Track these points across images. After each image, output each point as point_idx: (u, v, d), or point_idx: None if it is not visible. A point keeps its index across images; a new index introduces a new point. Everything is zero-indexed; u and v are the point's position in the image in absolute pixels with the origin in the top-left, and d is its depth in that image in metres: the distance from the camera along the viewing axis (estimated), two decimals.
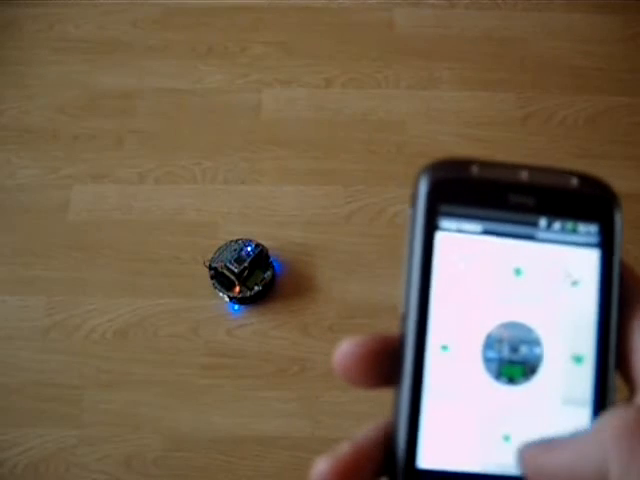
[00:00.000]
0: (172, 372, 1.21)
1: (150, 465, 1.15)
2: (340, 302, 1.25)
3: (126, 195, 1.35)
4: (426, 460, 0.25)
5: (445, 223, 0.26)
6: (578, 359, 0.25)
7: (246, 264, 1.23)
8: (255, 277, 1.23)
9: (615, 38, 1.52)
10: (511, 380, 0.25)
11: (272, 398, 1.19)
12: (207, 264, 1.24)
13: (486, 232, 0.26)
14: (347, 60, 1.49)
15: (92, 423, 1.17)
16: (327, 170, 1.37)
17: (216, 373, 1.21)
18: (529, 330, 0.25)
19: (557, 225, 0.26)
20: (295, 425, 1.17)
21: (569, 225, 0.26)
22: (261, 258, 1.24)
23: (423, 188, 0.26)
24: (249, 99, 1.45)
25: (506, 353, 0.25)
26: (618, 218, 0.26)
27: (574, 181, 0.26)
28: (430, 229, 0.26)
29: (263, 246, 1.25)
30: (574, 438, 0.23)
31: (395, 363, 0.25)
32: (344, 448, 0.24)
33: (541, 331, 0.25)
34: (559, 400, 0.25)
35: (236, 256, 1.23)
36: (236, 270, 1.22)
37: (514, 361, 0.25)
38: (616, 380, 0.25)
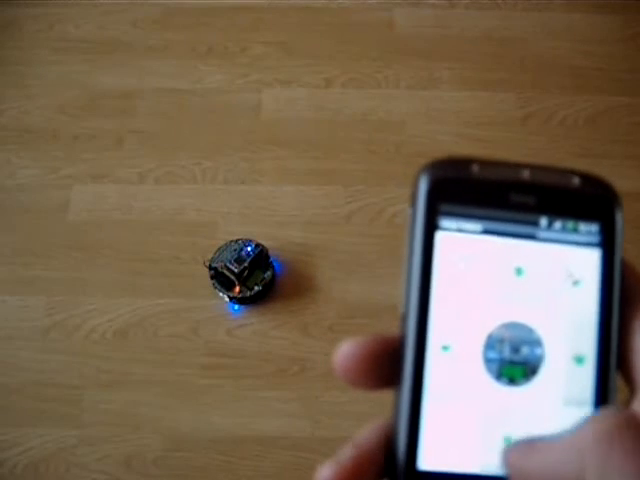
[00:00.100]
0: (172, 372, 1.20)
1: (150, 465, 1.15)
2: (340, 302, 1.25)
3: (126, 195, 1.35)
4: (427, 462, 0.25)
5: (445, 222, 0.26)
6: (579, 359, 0.25)
7: (246, 264, 1.23)
8: (255, 277, 1.23)
9: (615, 38, 1.52)
10: (512, 381, 0.25)
11: (272, 398, 1.19)
12: (207, 264, 1.24)
13: (486, 231, 0.26)
14: (347, 60, 1.49)
15: (92, 423, 1.17)
16: (327, 170, 1.37)
17: (216, 373, 1.21)
18: (530, 330, 0.25)
19: (558, 224, 0.26)
20: (295, 425, 1.17)
21: (570, 224, 0.26)
22: (261, 258, 1.24)
23: (423, 187, 0.26)
24: (249, 99, 1.45)
25: (507, 353, 0.25)
26: (619, 217, 0.26)
27: (575, 180, 0.26)
28: (430, 229, 0.26)
29: (263, 246, 1.25)
30: (557, 441, 0.23)
31: (395, 364, 0.25)
32: (346, 453, 0.24)
33: (542, 331, 0.25)
34: (560, 401, 0.25)
35: (236, 256, 1.23)
36: (236, 270, 1.22)
37: (515, 362, 0.25)
38: (617, 380, 0.25)
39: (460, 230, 0.26)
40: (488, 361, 0.25)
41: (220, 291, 1.22)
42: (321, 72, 1.48)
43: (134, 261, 1.29)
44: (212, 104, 1.45)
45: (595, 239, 0.26)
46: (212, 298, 1.25)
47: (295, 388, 1.19)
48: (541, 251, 0.26)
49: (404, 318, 0.25)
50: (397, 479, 0.24)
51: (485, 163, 0.26)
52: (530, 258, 0.26)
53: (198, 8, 1.55)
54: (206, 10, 1.55)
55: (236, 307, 1.25)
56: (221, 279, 1.23)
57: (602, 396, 0.25)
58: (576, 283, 0.25)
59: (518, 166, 0.26)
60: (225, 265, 1.23)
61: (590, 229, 0.26)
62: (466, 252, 0.25)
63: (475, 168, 0.26)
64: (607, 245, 0.26)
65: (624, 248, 0.26)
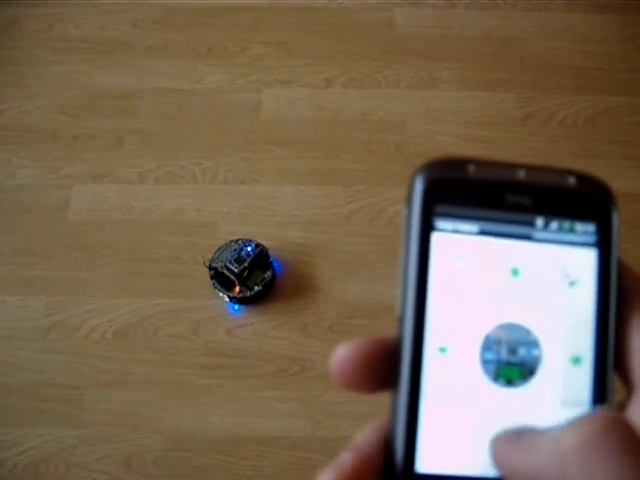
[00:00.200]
0: (172, 372, 1.20)
1: (150, 465, 1.15)
2: (340, 302, 1.25)
3: (126, 195, 1.35)
4: (425, 464, 0.24)
5: (441, 223, 0.25)
6: (576, 360, 0.25)
7: (246, 264, 1.23)
8: (255, 277, 1.23)
9: (615, 38, 1.52)
10: (509, 382, 0.25)
11: (272, 398, 1.19)
12: (207, 264, 1.24)
13: (483, 232, 0.25)
14: (347, 60, 1.49)
15: (92, 423, 1.17)
16: (327, 170, 1.37)
17: (216, 373, 1.21)
18: (527, 331, 0.25)
19: (554, 225, 0.26)
20: (295, 425, 1.17)
21: (566, 225, 0.26)
22: (261, 258, 1.24)
23: (419, 188, 0.26)
24: (249, 99, 1.45)
25: (504, 355, 0.25)
26: (615, 217, 0.26)
27: (571, 180, 0.26)
28: (426, 230, 0.25)
29: (263, 246, 1.25)
30: (544, 439, 0.22)
31: (392, 366, 0.25)
32: (346, 457, 0.24)
33: (539, 332, 0.25)
34: (558, 402, 0.25)
35: (236, 256, 1.23)
36: (236, 270, 1.22)
37: (512, 363, 0.25)
38: (615, 381, 0.25)
39: (456, 231, 0.25)
40: (485, 362, 0.25)
41: (220, 291, 1.22)
42: (321, 72, 1.48)
43: (134, 261, 1.29)
44: (212, 104, 1.45)
45: (591, 239, 0.26)
46: (212, 298, 1.25)
47: (295, 388, 1.19)
48: (537, 252, 0.26)
49: (401, 320, 0.25)
50: None
51: (481, 163, 0.26)
52: (526, 259, 0.25)
53: (198, 8, 1.55)
54: (206, 10, 1.55)
55: (236, 307, 1.25)
56: (221, 279, 1.23)
57: (600, 396, 0.25)
58: (573, 283, 0.25)
59: (514, 166, 0.26)
60: (225, 265, 1.23)
61: (586, 229, 0.26)
62: (462, 253, 0.25)
63: (471, 168, 0.26)
64: (603, 245, 0.26)
65: (623, 248, 0.26)
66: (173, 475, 1.14)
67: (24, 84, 1.47)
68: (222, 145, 1.40)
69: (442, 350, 0.25)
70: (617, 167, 1.37)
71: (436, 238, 0.25)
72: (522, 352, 0.25)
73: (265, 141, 1.40)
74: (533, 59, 1.49)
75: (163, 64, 1.49)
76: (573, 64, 1.49)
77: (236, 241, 1.25)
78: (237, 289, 1.22)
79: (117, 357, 1.22)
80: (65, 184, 1.36)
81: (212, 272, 1.23)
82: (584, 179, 0.26)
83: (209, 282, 1.23)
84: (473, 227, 0.25)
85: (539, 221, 0.26)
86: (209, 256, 1.25)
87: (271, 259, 1.24)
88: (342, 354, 0.25)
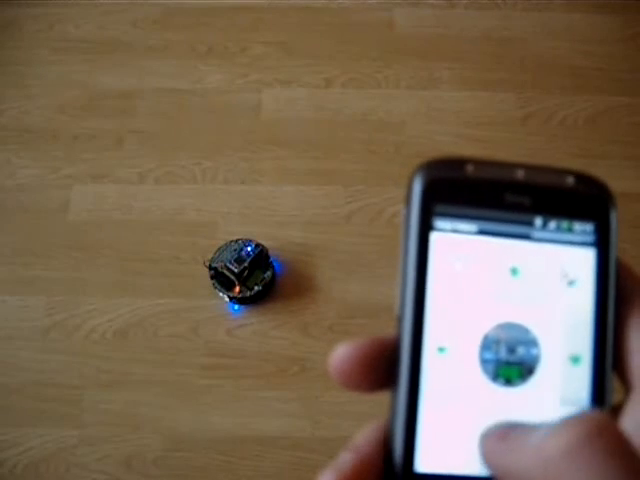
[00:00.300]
0: (172, 372, 1.21)
1: (150, 465, 1.15)
2: (340, 302, 1.25)
3: (126, 195, 1.35)
4: (424, 464, 0.24)
5: (440, 223, 0.25)
6: (575, 359, 0.25)
7: (246, 264, 1.23)
8: (255, 277, 1.23)
9: (615, 38, 1.52)
10: (508, 381, 0.25)
11: (272, 398, 1.19)
12: (207, 264, 1.24)
13: (481, 232, 0.25)
14: (347, 60, 1.49)
15: (92, 423, 1.17)
16: (327, 170, 1.37)
17: (216, 373, 1.21)
18: (526, 331, 0.25)
19: (553, 224, 0.26)
20: (295, 425, 1.17)
21: (565, 224, 0.26)
22: (261, 258, 1.24)
23: (417, 188, 0.26)
24: (249, 99, 1.45)
25: (503, 354, 0.25)
26: (614, 217, 0.26)
27: (570, 180, 0.26)
28: (425, 229, 0.25)
29: (263, 246, 1.25)
30: (531, 442, 0.22)
31: (391, 366, 0.25)
32: (345, 458, 0.24)
33: (538, 332, 0.25)
34: (557, 401, 0.25)
35: (236, 256, 1.23)
36: (236, 270, 1.22)
37: (511, 362, 0.25)
38: (614, 381, 0.25)
39: (455, 230, 0.25)
40: (484, 362, 0.25)
41: (220, 291, 1.22)
42: (321, 72, 1.48)
43: (134, 261, 1.29)
44: (212, 104, 1.45)
45: (590, 239, 0.26)
46: (212, 298, 1.25)
47: (295, 388, 1.19)
48: (536, 251, 0.26)
49: (399, 319, 0.25)
50: None
51: (480, 163, 0.26)
52: (525, 258, 0.25)
53: (198, 8, 1.55)
54: (206, 10, 1.55)
55: (236, 307, 1.25)
56: (221, 279, 1.23)
57: (598, 396, 0.25)
58: (571, 283, 0.25)
59: (513, 166, 0.26)
60: (225, 265, 1.23)
61: (585, 229, 0.26)
62: (461, 253, 0.25)
63: (470, 168, 0.26)
64: (602, 245, 0.26)
65: (622, 248, 0.26)
66: (173, 475, 1.14)
67: (24, 84, 1.47)
68: (222, 145, 1.40)
69: (441, 350, 0.25)
70: (617, 167, 1.37)
71: (435, 238, 0.25)
72: (521, 351, 0.25)
73: (265, 141, 1.40)
74: (533, 59, 1.49)
75: (163, 64, 1.49)
76: (573, 64, 1.49)
77: (236, 241, 1.25)
78: (237, 289, 1.22)
79: (117, 357, 1.22)
80: (65, 184, 1.36)
81: (212, 272, 1.23)
82: (583, 179, 0.26)
83: (209, 282, 1.23)
84: (472, 227, 0.25)
85: (538, 221, 0.26)
86: (209, 256, 1.25)
87: (271, 259, 1.24)
88: (341, 353, 0.25)
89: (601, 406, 0.25)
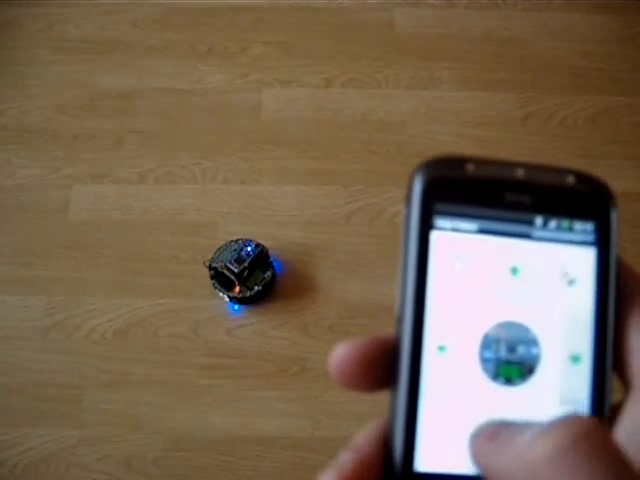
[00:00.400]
0: (172, 372, 1.21)
1: (150, 465, 1.15)
2: (340, 302, 1.25)
3: (126, 195, 1.35)
4: (424, 463, 0.24)
5: (440, 222, 0.25)
6: (575, 359, 0.25)
7: (246, 264, 1.23)
8: (255, 277, 1.23)
9: (615, 38, 1.52)
10: (508, 381, 0.25)
11: (272, 398, 1.19)
12: (207, 264, 1.24)
13: (482, 231, 0.25)
14: (347, 60, 1.49)
15: (92, 423, 1.17)
16: (327, 170, 1.37)
17: (216, 373, 1.21)
18: (526, 330, 0.25)
19: (553, 223, 0.26)
20: (295, 425, 1.17)
21: (565, 223, 0.26)
22: (261, 258, 1.24)
23: (417, 187, 0.26)
24: (249, 99, 1.45)
25: (503, 353, 0.25)
26: (614, 216, 0.26)
27: (570, 179, 0.26)
28: (425, 228, 0.25)
29: (263, 246, 1.25)
30: (519, 444, 0.22)
31: (391, 365, 0.25)
32: (346, 458, 0.24)
33: (538, 331, 0.25)
34: (557, 400, 0.25)
35: (236, 256, 1.23)
36: (236, 270, 1.22)
37: (511, 361, 0.25)
38: (613, 380, 0.25)
39: (455, 229, 0.25)
40: (484, 361, 0.25)
41: (220, 291, 1.22)
42: (321, 72, 1.48)
43: (134, 261, 1.29)
44: (212, 104, 1.45)
45: (590, 238, 0.26)
46: (212, 298, 1.25)
47: (295, 388, 1.19)
48: (536, 250, 0.26)
49: (399, 319, 0.25)
50: None
51: (480, 162, 0.26)
52: (525, 257, 0.25)
53: (198, 8, 1.55)
54: (206, 10, 1.55)
55: (236, 307, 1.25)
56: (221, 279, 1.23)
57: (598, 395, 0.25)
58: (572, 282, 0.25)
59: (513, 165, 0.26)
60: (225, 265, 1.23)
61: (585, 228, 0.26)
62: (461, 252, 0.25)
63: (470, 167, 0.26)
64: (602, 244, 0.26)
65: (623, 247, 0.26)
66: (173, 475, 1.14)
67: (24, 84, 1.47)
68: (222, 145, 1.40)
69: (441, 349, 0.25)
70: (617, 167, 1.37)
71: (435, 237, 0.25)
72: (521, 351, 0.25)
73: (265, 141, 1.40)
74: (533, 59, 1.49)
75: (163, 64, 1.49)
76: (573, 64, 1.49)
77: (236, 241, 1.25)
78: (237, 289, 1.22)
79: (117, 357, 1.22)
80: (65, 184, 1.36)
81: (212, 272, 1.23)
82: (583, 178, 0.26)
83: (209, 282, 1.23)
84: (472, 226, 0.25)
85: (538, 220, 0.26)
86: (209, 256, 1.25)
87: (271, 259, 1.24)
88: (341, 353, 0.25)
89: (602, 406, 0.25)
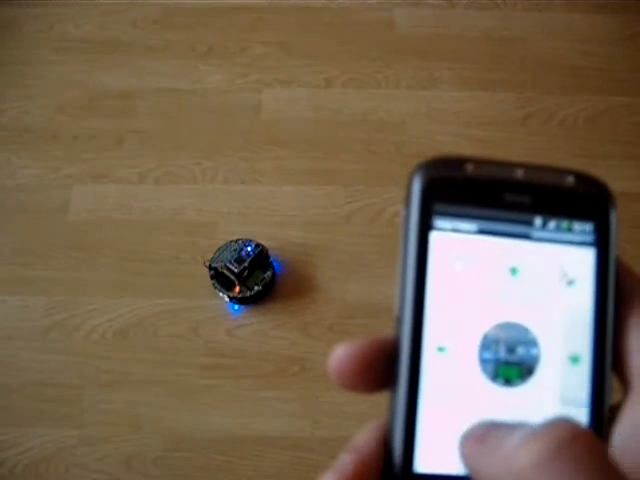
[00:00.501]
0: (172, 372, 1.21)
1: (150, 465, 1.15)
2: (340, 302, 1.25)
3: (126, 195, 1.35)
4: (423, 464, 0.24)
5: (439, 222, 0.25)
6: (575, 359, 0.25)
7: (246, 264, 1.23)
8: (255, 277, 1.23)
9: (615, 38, 1.52)
10: (508, 381, 0.25)
11: (272, 398, 1.19)
12: (207, 264, 1.24)
13: (481, 231, 0.25)
14: (347, 60, 1.49)
15: (92, 423, 1.17)
16: (327, 170, 1.37)
17: (216, 373, 1.21)
18: (525, 330, 0.25)
19: (553, 224, 0.26)
20: (295, 425, 1.17)
21: (565, 224, 0.26)
22: (261, 258, 1.24)
23: (417, 187, 0.26)
24: (249, 99, 1.45)
25: (503, 354, 0.25)
26: (613, 216, 0.26)
27: (569, 179, 0.26)
28: (424, 229, 0.25)
29: (263, 246, 1.25)
30: (506, 448, 0.22)
31: (391, 366, 0.25)
32: (346, 459, 0.24)
33: (537, 331, 0.25)
34: (557, 401, 0.25)
35: (236, 256, 1.23)
36: (236, 270, 1.22)
37: (511, 362, 0.25)
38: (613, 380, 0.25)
39: (454, 230, 0.25)
40: (484, 362, 0.25)
41: (220, 291, 1.22)
42: (321, 72, 1.48)
43: (134, 261, 1.29)
44: (212, 104, 1.45)
45: (590, 238, 0.26)
46: (212, 298, 1.25)
47: (295, 388, 1.19)
48: (536, 251, 0.25)
49: (399, 319, 0.25)
50: None
51: (479, 162, 0.26)
52: (525, 258, 0.25)
53: (198, 8, 1.55)
54: (206, 10, 1.55)
55: (236, 307, 1.25)
56: (221, 279, 1.23)
57: (598, 396, 0.25)
58: (571, 283, 0.25)
59: (512, 165, 0.26)
60: (225, 265, 1.23)
61: (585, 228, 0.26)
62: (461, 252, 0.25)
63: (469, 167, 0.26)
64: (602, 244, 0.26)
65: (622, 248, 0.26)
66: (173, 475, 1.14)
67: (24, 84, 1.47)
68: (222, 145, 1.40)
69: (440, 350, 0.25)
70: (617, 167, 1.37)
71: (434, 237, 0.25)
72: (520, 351, 0.25)
73: (265, 141, 1.40)
74: (533, 59, 1.49)
75: (163, 64, 1.49)
76: (573, 64, 1.49)
77: (236, 241, 1.25)
78: (237, 289, 1.22)
79: (117, 357, 1.22)
80: (65, 184, 1.36)
81: (212, 272, 1.23)
82: (582, 178, 0.26)
83: (209, 282, 1.23)
84: (471, 226, 0.25)
85: (537, 220, 0.26)
86: (209, 256, 1.25)
87: (271, 259, 1.24)
88: (340, 354, 0.25)
89: (601, 406, 0.25)
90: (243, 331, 1.24)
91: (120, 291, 1.27)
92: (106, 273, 1.28)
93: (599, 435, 0.24)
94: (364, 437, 0.25)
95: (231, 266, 1.23)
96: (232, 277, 1.22)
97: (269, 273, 1.23)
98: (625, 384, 0.25)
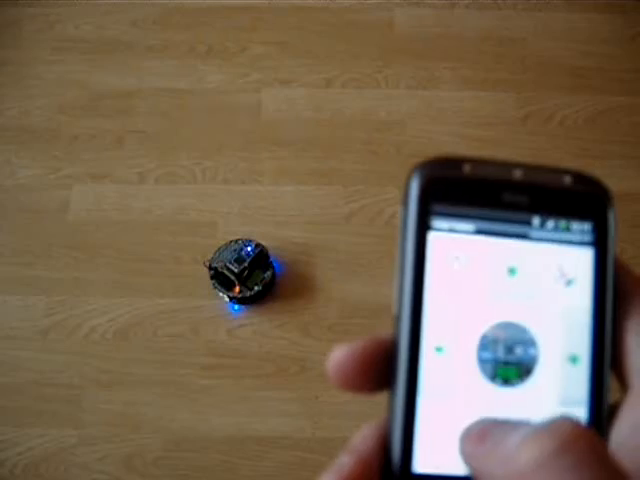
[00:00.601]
0: (172, 372, 1.21)
1: (150, 465, 1.15)
2: (340, 302, 1.25)
3: (126, 195, 1.35)
4: (422, 464, 0.24)
5: (437, 223, 0.25)
6: (573, 359, 0.25)
7: (246, 264, 1.23)
8: (255, 277, 1.23)
9: (615, 38, 1.52)
10: (506, 381, 0.25)
11: (272, 398, 1.19)
12: (207, 264, 1.24)
13: (479, 231, 0.25)
14: (347, 60, 1.49)
15: (92, 423, 1.17)
16: (327, 170, 1.37)
17: (216, 373, 1.21)
18: (524, 330, 0.25)
19: (551, 224, 0.26)
20: (295, 425, 1.17)
21: (563, 223, 0.26)
22: (261, 258, 1.24)
23: (415, 187, 0.26)
24: (249, 99, 1.45)
25: (501, 354, 0.25)
26: (612, 216, 0.26)
27: (567, 179, 0.26)
28: (422, 229, 0.25)
29: (263, 246, 1.25)
30: (506, 448, 0.22)
31: (389, 366, 0.25)
32: (345, 460, 0.24)
33: (536, 331, 0.25)
34: (555, 401, 0.25)
35: (236, 256, 1.23)
36: (236, 270, 1.22)
37: (509, 362, 0.25)
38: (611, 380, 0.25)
39: (452, 230, 0.25)
40: (482, 362, 0.25)
41: (220, 291, 1.22)
42: (321, 72, 1.48)
43: (134, 261, 1.29)
44: (212, 104, 1.45)
45: (588, 238, 0.26)
46: (212, 298, 1.25)
47: (295, 388, 1.19)
48: (534, 250, 0.25)
49: (397, 319, 0.25)
50: None
51: (477, 162, 0.26)
52: (523, 258, 0.25)
53: (198, 8, 1.55)
54: (206, 10, 1.55)
55: (236, 307, 1.25)
56: (221, 279, 1.23)
57: (596, 396, 0.25)
58: (569, 282, 0.25)
59: (510, 165, 0.26)
60: (225, 265, 1.23)
61: (583, 228, 0.26)
62: (459, 252, 0.25)
63: (467, 168, 0.26)
64: (600, 244, 0.26)
65: (621, 247, 0.26)
66: (173, 475, 1.14)
67: (24, 84, 1.47)
68: (222, 145, 1.40)
69: (439, 350, 0.25)
70: (617, 167, 1.37)
71: (432, 237, 0.25)
72: (519, 351, 0.25)
73: (265, 141, 1.40)
74: (533, 59, 1.49)
75: (163, 64, 1.49)
76: (573, 64, 1.49)
77: (236, 241, 1.25)
78: (237, 289, 1.22)
79: (117, 357, 1.22)
80: (65, 184, 1.36)
81: (212, 272, 1.23)
82: (580, 178, 0.26)
83: (209, 282, 1.23)
84: (469, 226, 0.25)
85: (535, 220, 0.26)
86: (209, 256, 1.25)
87: (271, 259, 1.24)
88: (338, 356, 0.25)
89: (600, 406, 0.25)
90: (243, 331, 1.24)
91: (120, 291, 1.27)
92: (106, 273, 1.28)
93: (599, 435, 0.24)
94: (363, 437, 0.25)
95: (231, 266, 1.23)
96: (232, 277, 1.22)
97: (269, 273, 1.23)
98: (624, 384, 0.25)
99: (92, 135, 1.41)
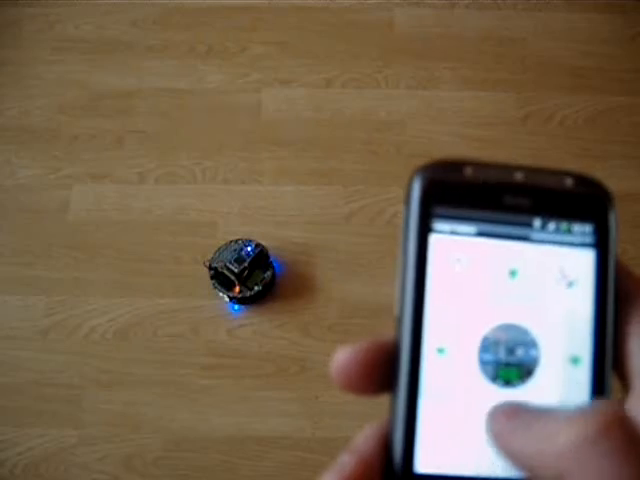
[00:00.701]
0: (172, 372, 1.21)
1: (150, 465, 1.15)
2: (340, 302, 1.25)
3: (126, 195, 1.35)
4: (423, 465, 0.25)
5: (439, 225, 0.25)
6: (575, 360, 0.25)
7: (246, 264, 1.23)
8: (255, 277, 1.23)
9: (615, 38, 1.52)
10: (507, 383, 0.25)
11: (272, 398, 1.19)
12: (207, 264, 1.24)
13: (480, 234, 0.26)
14: (347, 60, 1.49)
15: (92, 423, 1.17)
16: (327, 170, 1.37)
17: (216, 373, 1.21)
18: (525, 332, 0.25)
19: (552, 226, 0.26)
20: (295, 425, 1.17)
21: (564, 225, 0.26)
22: (261, 258, 1.24)
23: (416, 190, 0.26)
24: (249, 99, 1.45)
25: (502, 355, 0.25)
26: (613, 217, 0.26)
27: (568, 181, 0.26)
28: (424, 231, 0.25)
29: (263, 246, 1.25)
30: (542, 429, 0.22)
31: (391, 368, 0.25)
32: (347, 460, 0.24)
33: (537, 333, 0.25)
34: (557, 402, 0.25)
35: (236, 256, 1.23)
36: (236, 270, 1.22)
37: (510, 363, 0.25)
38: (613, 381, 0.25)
39: (454, 232, 0.25)
40: (484, 363, 0.25)
41: (220, 291, 1.22)
42: (321, 72, 1.48)
43: (134, 261, 1.29)
44: (212, 104, 1.45)
45: (589, 240, 0.26)
46: (212, 298, 1.25)
47: (295, 388, 1.19)
48: (535, 252, 0.26)
49: (399, 321, 0.25)
50: None
51: (479, 165, 0.26)
52: (524, 260, 0.25)
53: (198, 8, 1.55)
54: (205, 10, 1.55)
55: (236, 307, 1.25)
56: (221, 279, 1.23)
57: (598, 396, 0.25)
58: (570, 284, 0.25)
59: (511, 168, 0.26)
60: (225, 265, 1.23)
61: (584, 230, 0.26)
62: (460, 254, 0.25)
63: (468, 170, 0.26)
64: (601, 246, 0.26)
65: (623, 248, 0.26)
66: (173, 475, 1.15)
67: (24, 84, 1.47)
68: (222, 145, 1.40)
69: (440, 351, 0.25)
70: (617, 167, 1.37)
71: (434, 239, 0.25)
72: (520, 353, 0.25)
73: (265, 141, 1.40)
74: (533, 59, 1.49)
75: (163, 64, 1.49)
76: (573, 64, 1.49)
77: (236, 241, 1.25)
78: (237, 289, 1.22)
79: (117, 357, 1.22)
80: (65, 184, 1.36)
81: (212, 272, 1.23)
82: (581, 180, 0.26)
83: (209, 282, 1.23)
84: (471, 228, 0.25)
85: (537, 222, 0.26)
86: (209, 256, 1.25)
87: (271, 259, 1.24)
88: (342, 358, 0.25)
89: None
90: (243, 331, 1.24)
91: (120, 291, 1.27)
92: (106, 273, 1.28)
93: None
94: (364, 437, 0.25)
95: (231, 266, 1.23)
96: (232, 277, 1.22)
97: (269, 273, 1.23)
98: (626, 385, 0.25)
99: (92, 135, 1.41)
